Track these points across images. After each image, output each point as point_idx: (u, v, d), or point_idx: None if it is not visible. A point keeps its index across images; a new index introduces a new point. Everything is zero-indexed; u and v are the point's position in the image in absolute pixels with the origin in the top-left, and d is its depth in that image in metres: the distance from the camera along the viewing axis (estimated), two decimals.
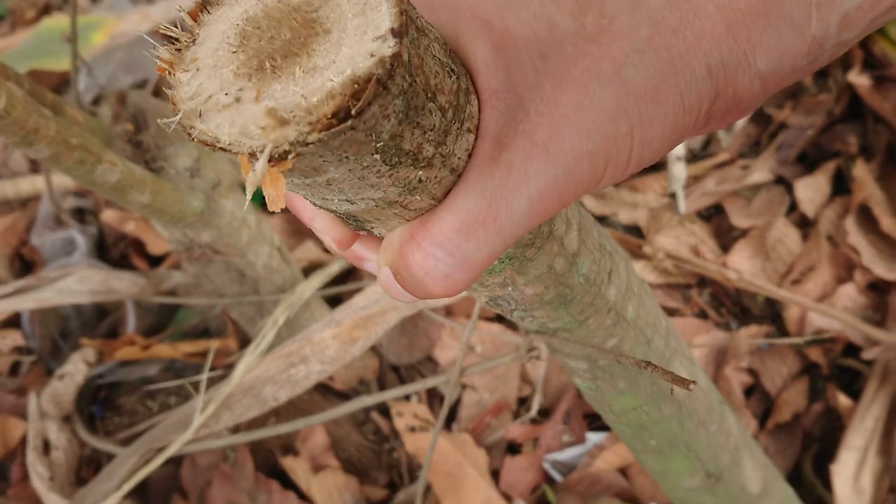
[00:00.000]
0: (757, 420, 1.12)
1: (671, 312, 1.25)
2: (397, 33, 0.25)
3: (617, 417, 0.69)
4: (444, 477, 1.04)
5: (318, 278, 1.04)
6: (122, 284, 1.09)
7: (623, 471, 1.06)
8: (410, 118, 0.27)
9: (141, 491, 1.07)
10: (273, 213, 0.28)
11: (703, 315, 1.26)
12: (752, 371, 1.17)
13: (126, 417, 1.14)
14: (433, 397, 1.19)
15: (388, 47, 0.25)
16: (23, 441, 1.03)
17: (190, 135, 0.26)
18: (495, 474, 1.08)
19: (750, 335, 1.18)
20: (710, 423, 0.71)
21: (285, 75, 0.26)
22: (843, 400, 1.08)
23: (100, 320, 1.23)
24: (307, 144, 0.25)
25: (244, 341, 1.18)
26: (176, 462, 1.10)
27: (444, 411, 0.70)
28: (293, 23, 0.27)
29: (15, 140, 0.64)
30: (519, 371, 1.18)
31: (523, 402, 1.18)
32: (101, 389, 1.15)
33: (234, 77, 0.27)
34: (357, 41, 0.26)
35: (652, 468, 0.76)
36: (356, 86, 0.24)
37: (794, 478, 1.09)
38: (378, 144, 0.26)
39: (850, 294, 1.20)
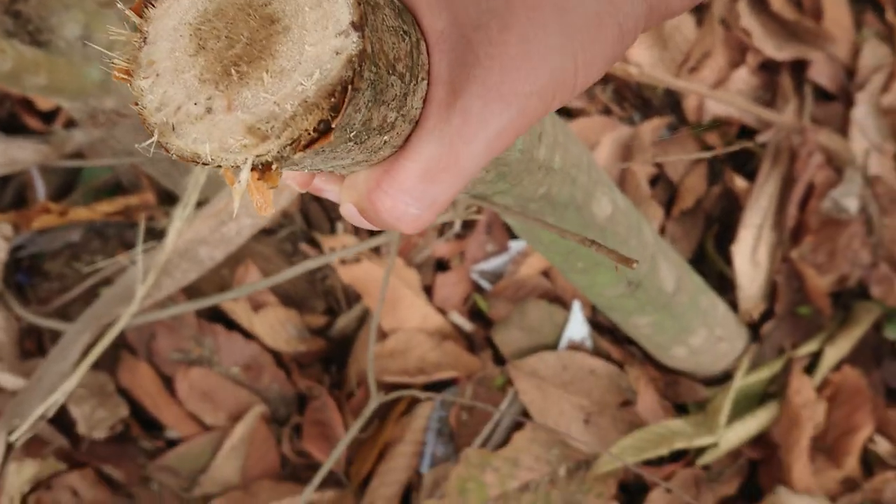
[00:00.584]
0: (663, 208, 1.20)
1: (578, 113, 1.28)
2: (359, 26, 0.25)
3: (546, 247, 0.74)
4: (377, 298, 1.09)
5: None
6: (25, 153, 1.05)
7: (546, 273, 1.14)
8: (377, 100, 0.28)
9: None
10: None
11: (607, 111, 1.30)
12: (655, 163, 1.24)
13: (56, 282, 1.14)
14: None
15: (353, 42, 0.25)
16: None
17: (168, 151, 0.27)
18: (428, 290, 1.15)
19: (652, 128, 1.23)
20: (629, 239, 0.77)
21: (253, 80, 0.26)
22: (739, 182, 1.17)
23: (1, 189, 1.19)
24: (290, 157, 0.26)
25: (161, 194, 1.17)
26: None
27: (393, 254, 0.74)
28: (250, 21, 0.26)
29: None
30: None
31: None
32: (23, 258, 1.13)
33: (199, 84, 0.26)
34: (319, 37, 0.26)
35: (579, 284, 0.82)
36: (332, 99, 0.25)
37: (699, 257, 1.19)
38: (351, 134, 0.27)
39: (742, 77, 1.26)
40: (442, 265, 1.19)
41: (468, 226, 1.21)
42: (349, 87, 0.25)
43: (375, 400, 0.82)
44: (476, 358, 1.10)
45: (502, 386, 1.09)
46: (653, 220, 1.16)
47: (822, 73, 1.23)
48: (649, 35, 1.31)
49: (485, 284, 1.16)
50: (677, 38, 1.31)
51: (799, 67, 1.24)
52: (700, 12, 1.32)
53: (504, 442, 1.05)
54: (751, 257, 1.11)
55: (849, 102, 1.21)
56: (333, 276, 1.21)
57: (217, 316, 1.15)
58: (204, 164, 0.26)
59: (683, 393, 1.07)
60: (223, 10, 0.27)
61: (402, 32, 0.29)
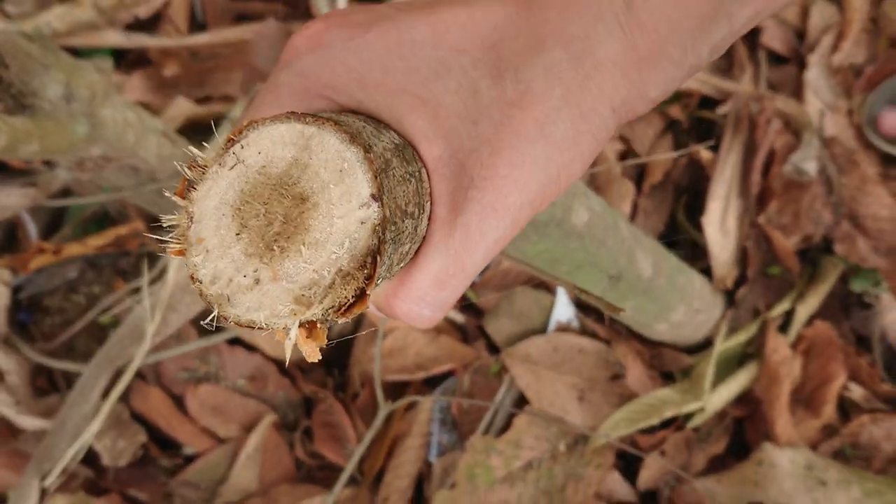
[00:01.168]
0: (634, 183, 1.25)
1: None
2: (377, 197, 0.30)
3: (531, 258, 0.79)
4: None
5: (212, 153, 1.05)
6: (13, 199, 1.07)
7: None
8: (396, 245, 0.32)
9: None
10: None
11: None
12: (623, 138, 1.28)
13: (57, 317, 1.18)
14: None
15: (374, 212, 0.30)
16: None
17: (226, 319, 0.31)
18: None
19: None
20: (607, 239, 0.82)
21: (292, 253, 0.30)
22: (704, 154, 1.22)
23: None
24: (332, 319, 0.30)
25: (149, 220, 1.20)
26: None
27: None
28: (283, 201, 0.30)
29: None
30: None
31: None
32: (23, 298, 1.17)
33: (245, 258, 0.31)
34: (345, 210, 0.30)
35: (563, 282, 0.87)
36: (365, 270, 0.29)
37: (671, 227, 1.24)
38: (378, 280, 0.32)
39: None
40: None
41: None
42: (377, 256, 0.30)
43: (384, 409, 0.87)
44: (471, 348, 1.16)
45: (498, 372, 1.15)
46: (625, 198, 1.21)
47: (774, 37, 1.27)
48: None
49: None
50: None
51: (752, 35, 1.29)
52: None
53: (505, 426, 1.11)
54: (720, 226, 1.17)
55: (802, 65, 1.26)
56: None
57: (218, 332, 1.19)
58: (259, 328, 0.31)
59: (668, 362, 1.13)
60: (258, 190, 0.31)
61: (408, 176, 0.33)
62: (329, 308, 0.30)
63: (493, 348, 1.17)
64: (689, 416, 1.10)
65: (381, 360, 1.14)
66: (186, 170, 0.32)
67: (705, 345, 1.14)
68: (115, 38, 1.33)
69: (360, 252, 0.30)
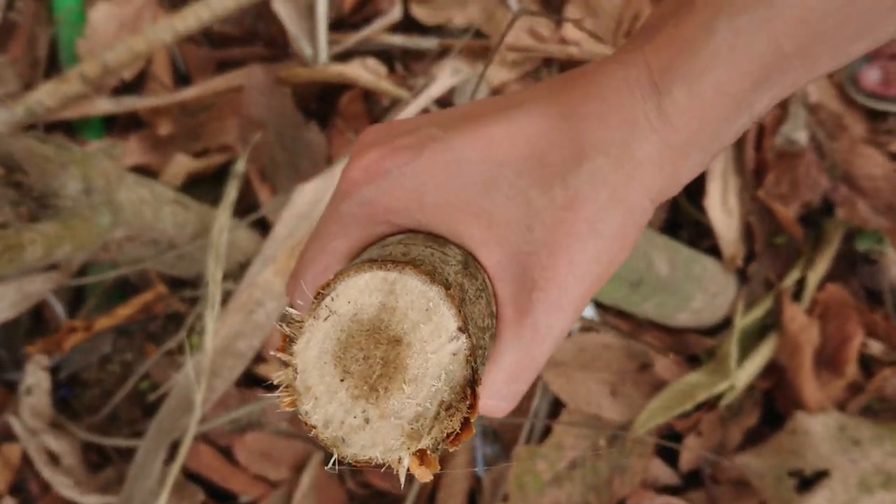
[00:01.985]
0: None
1: None
2: (464, 329, 0.33)
3: None
4: None
5: (224, 213, 1.07)
6: (37, 285, 1.10)
7: None
8: (482, 361, 0.35)
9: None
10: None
11: None
12: None
13: (96, 388, 1.21)
14: None
15: (463, 343, 0.33)
16: (24, 458, 1.09)
17: (345, 458, 0.34)
18: None
19: None
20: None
21: (395, 391, 0.33)
22: None
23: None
24: (438, 448, 0.34)
25: (171, 282, 1.23)
26: None
27: None
28: (380, 345, 0.34)
29: None
30: None
31: None
32: (61, 376, 1.19)
33: (352, 400, 0.34)
34: (437, 345, 0.33)
35: None
36: (467, 401, 0.33)
37: (674, 211, 1.28)
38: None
39: None
40: None
41: None
42: (475, 385, 0.33)
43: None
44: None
45: None
46: None
47: None
48: (577, 8, 1.37)
49: None
50: (606, 6, 1.37)
51: None
52: None
53: (545, 430, 1.15)
54: (722, 206, 1.20)
55: None
56: None
57: (253, 380, 1.22)
58: (376, 466, 0.34)
59: (692, 346, 1.17)
60: (354, 338, 0.34)
61: (479, 292, 0.37)
62: (437, 439, 0.33)
63: None
64: (719, 396, 1.14)
65: None
66: (285, 326, 0.35)
67: (725, 324, 1.17)
68: (106, 105, 1.35)
69: (458, 382, 0.33)
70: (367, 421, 0.34)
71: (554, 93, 0.40)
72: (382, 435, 0.34)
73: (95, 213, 0.87)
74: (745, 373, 1.13)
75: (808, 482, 1.06)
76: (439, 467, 0.35)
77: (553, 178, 0.37)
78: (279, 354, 0.35)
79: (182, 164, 1.31)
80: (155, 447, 0.94)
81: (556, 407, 1.16)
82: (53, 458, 1.05)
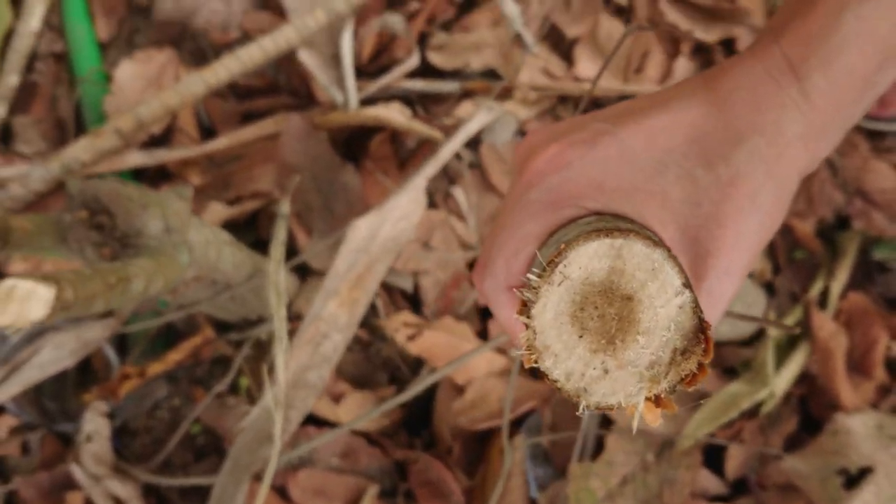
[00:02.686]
0: None
1: None
2: (687, 284, 0.38)
3: None
4: (447, 360, 1.21)
5: (278, 250, 1.10)
6: (94, 333, 1.11)
7: None
8: None
9: None
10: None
11: None
12: None
13: (146, 437, 1.21)
14: (394, 294, 1.33)
15: (688, 297, 0.37)
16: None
17: (588, 406, 0.38)
18: (482, 336, 1.27)
19: None
20: None
21: (630, 343, 0.38)
22: None
23: None
24: (675, 389, 0.38)
25: (218, 327, 1.25)
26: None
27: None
28: (613, 303, 0.38)
29: (79, 312, 0.68)
30: (458, 241, 1.33)
31: (472, 266, 1.34)
32: (115, 425, 1.20)
33: (590, 354, 0.38)
34: (664, 300, 0.38)
35: None
36: (701, 344, 0.37)
37: None
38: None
39: (683, 65, 1.41)
40: (485, 312, 1.31)
41: None
42: (706, 330, 0.37)
43: (510, 452, 0.94)
44: (545, 383, 1.23)
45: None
46: None
47: (748, 44, 1.39)
48: (587, 49, 1.45)
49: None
50: (613, 45, 1.45)
51: (728, 45, 1.40)
52: (626, 14, 1.46)
53: (595, 447, 1.19)
54: None
55: None
56: (385, 347, 1.31)
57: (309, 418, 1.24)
58: (616, 408, 0.38)
59: (729, 358, 1.22)
60: (588, 298, 0.38)
61: None
62: (674, 381, 0.37)
63: None
64: (759, 404, 1.19)
65: (467, 412, 1.21)
66: (524, 292, 0.39)
67: (759, 335, 1.23)
68: (138, 158, 1.38)
69: (688, 330, 0.37)
70: (606, 371, 0.38)
71: (703, 87, 0.45)
72: (622, 383, 0.38)
73: (176, 251, 0.90)
74: (783, 380, 1.18)
75: (853, 480, 1.11)
76: (675, 408, 0.39)
77: (715, 158, 0.42)
78: (519, 317, 0.39)
79: (217, 213, 1.34)
80: (234, 481, 0.95)
81: (605, 424, 1.20)
82: (119, 503, 1.06)
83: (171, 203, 0.94)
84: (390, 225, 1.05)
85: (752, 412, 1.20)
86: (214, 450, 1.23)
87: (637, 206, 0.43)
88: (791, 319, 1.22)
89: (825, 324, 1.19)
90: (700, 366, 0.37)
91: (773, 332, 1.20)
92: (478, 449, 1.25)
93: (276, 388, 0.96)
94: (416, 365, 1.30)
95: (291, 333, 1.09)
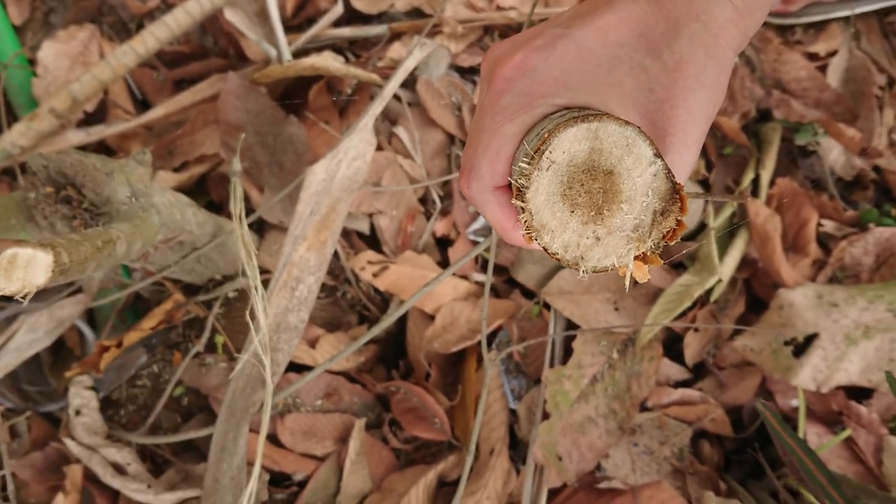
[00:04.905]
0: None
1: (477, 69, 1.45)
2: (658, 154, 0.43)
3: None
4: (413, 292, 1.26)
5: (238, 206, 1.13)
6: (67, 311, 1.13)
7: None
8: None
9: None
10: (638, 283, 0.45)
11: None
12: None
13: (130, 406, 1.24)
14: (352, 238, 1.36)
15: (659, 165, 0.43)
16: (87, 475, 1.11)
17: (586, 272, 0.43)
18: (444, 266, 1.32)
19: None
20: None
21: (615, 211, 0.43)
22: None
23: None
24: (662, 247, 0.43)
25: (186, 290, 1.27)
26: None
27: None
28: (597, 178, 0.43)
29: (74, 276, 0.70)
30: (407, 178, 1.37)
31: (424, 201, 1.38)
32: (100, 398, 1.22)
33: (582, 226, 0.43)
34: (640, 170, 0.43)
35: None
36: (677, 203, 0.42)
37: None
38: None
39: None
40: (442, 241, 1.35)
41: (448, 197, 1.38)
42: (679, 193, 0.42)
43: (490, 366, 1.00)
44: (509, 301, 1.29)
45: (539, 313, 1.29)
46: None
47: None
48: None
49: (481, 240, 1.34)
50: None
51: None
52: None
53: (563, 354, 1.26)
54: None
55: None
56: (351, 290, 1.35)
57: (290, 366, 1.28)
58: (610, 269, 0.43)
59: (674, 253, 1.30)
60: (574, 177, 0.43)
61: None
62: (658, 238, 0.43)
63: (527, 294, 1.31)
64: (708, 292, 1.27)
65: (438, 337, 1.26)
66: (517, 179, 0.44)
67: (700, 229, 1.31)
68: (77, 136, 1.38)
69: (664, 194, 0.43)
70: (598, 239, 0.43)
71: None
72: (613, 246, 0.43)
73: (148, 214, 0.92)
74: (728, 267, 1.27)
75: (801, 348, 1.21)
76: (661, 262, 0.44)
77: (660, 47, 0.48)
78: (515, 202, 0.44)
79: (166, 181, 1.35)
80: (234, 427, 0.99)
81: (571, 329, 1.27)
82: (118, 469, 1.08)
83: (133, 168, 0.96)
84: (346, 165, 1.09)
85: (703, 301, 1.28)
86: (200, 409, 1.26)
87: (600, 98, 0.48)
88: (728, 211, 1.30)
89: (760, 210, 1.28)
90: (678, 222, 0.43)
91: (715, 224, 1.28)
92: (453, 371, 1.31)
93: (261, 333, 1.00)
94: (384, 303, 1.34)
95: (262, 285, 1.12)
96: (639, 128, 0.43)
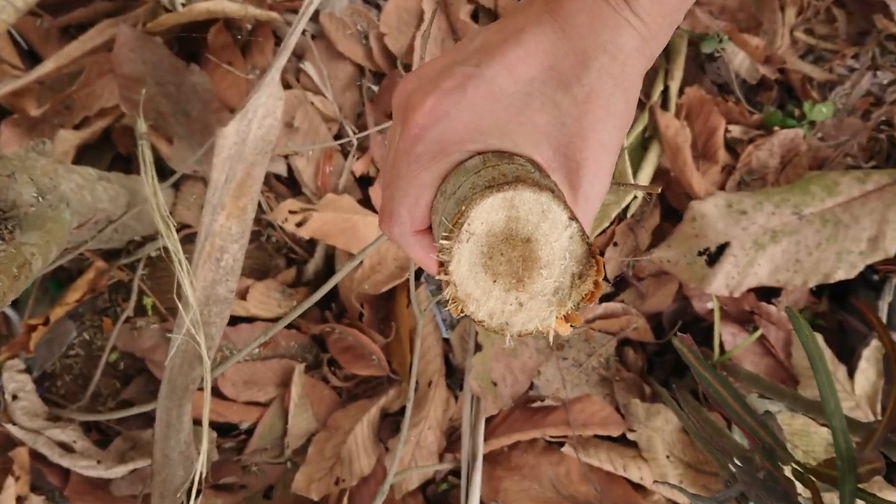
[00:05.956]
0: None
1: None
2: (573, 217, 0.44)
3: None
4: (340, 236, 1.26)
5: (149, 174, 1.10)
6: None
7: None
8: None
9: None
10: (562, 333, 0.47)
11: None
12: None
13: (67, 376, 1.24)
14: (270, 181, 1.35)
15: (575, 228, 0.44)
16: (34, 455, 1.12)
17: (512, 336, 0.45)
18: (368, 205, 1.32)
19: None
20: None
21: (536, 277, 0.44)
22: None
23: None
24: (579, 307, 0.45)
25: (105, 255, 1.25)
26: None
27: None
28: (516, 247, 0.44)
29: None
30: (320, 115, 1.35)
31: (339, 137, 1.37)
32: (35, 376, 1.21)
33: (505, 293, 0.45)
34: (557, 235, 0.44)
35: None
36: (592, 269, 0.44)
37: None
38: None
39: None
40: (363, 179, 1.35)
41: (363, 130, 1.36)
42: (594, 254, 0.44)
43: (421, 319, 1.02)
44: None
45: None
46: None
47: None
48: None
49: None
50: None
51: None
52: None
53: None
54: None
55: None
56: (275, 234, 1.35)
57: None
58: (534, 334, 0.45)
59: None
60: (494, 247, 0.44)
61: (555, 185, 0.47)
62: (577, 300, 0.45)
63: None
64: (625, 209, 1.31)
65: (367, 278, 1.28)
66: (439, 255, 0.44)
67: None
68: None
69: (580, 256, 0.44)
70: (521, 304, 0.45)
71: (547, 13, 0.50)
72: (535, 311, 0.45)
73: (58, 212, 0.89)
74: (641, 181, 1.30)
75: (714, 257, 1.27)
76: (582, 320, 0.47)
77: (570, 80, 0.48)
78: (440, 276, 0.45)
79: (68, 140, 1.30)
80: (176, 405, 1.00)
81: None
82: (66, 448, 1.10)
83: (35, 162, 0.92)
84: (256, 125, 1.06)
85: (621, 217, 1.32)
86: (138, 371, 1.27)
87: (512, 139, 0.48)
88: (640, 125, 1.32)
89: (670, 122, 1.30)
90: (595, 283, 0.45)
91: (626, 141, 1.30)
92: (385, 307, 1.33)
93: (190, 310, 1.00)
94: (310, 244, 1.35)
95: (186, 249, 1.11)
96: (552, 192, 0.44)
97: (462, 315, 0.46)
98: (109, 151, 1.37)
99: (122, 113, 1.34)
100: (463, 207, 0.44)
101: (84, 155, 1.35)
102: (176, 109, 1.29)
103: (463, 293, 0.45)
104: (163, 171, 1.28)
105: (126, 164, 1.36)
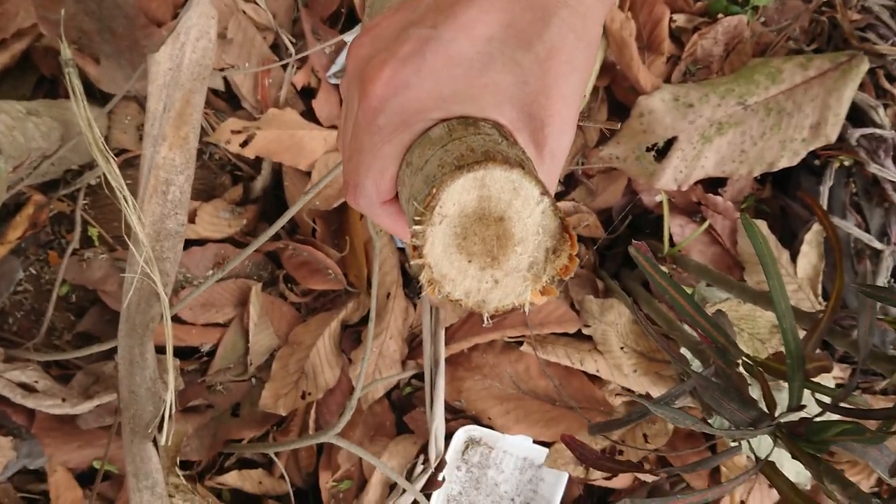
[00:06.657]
0: None
1: None
2: (544, 192, 0.44)
3: None
4: (287, 153, 1.23)
5: (80, 105, 1.05)
6: None
7: None
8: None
9: None
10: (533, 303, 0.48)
11: None
12: None
13: (19, 313, 1.21)
14: (208, 96, 1.30)
15: (546, 203, 0.44)
16: None
17: (488, 314, 0.46)
18: (311, 117, 1.28)
19: None
20: None
21: (510, 253, 0.45)
22: None
23: None
24: (554, 280, 0.46)
25: (43, 188, 1.20)
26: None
27: None
28: (490, 226, 0.44)
29: None
30: (253, 24, 1.29)
31: (276, 47, 1.31)
32: None
33: (480, 272, 0.45)
34: (530, 211, 0.44)
35: None
36: (567, 242, 0.44)
37: None
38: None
39: None
40: (305, 91, 1.31)
41: (300, 37, 1.31)
42: (567, 229, 0.44)
43: (377, 238, 1.02)
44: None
45: None
46: None
47: None
48: None
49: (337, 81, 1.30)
50: None
51: None
52: None
53: None
54: None
55: None
56: (218, 151, 1.31)
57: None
58: (513, 309, 0.46)
59: None
60: (467, 227, 0.44)
61: (523, 153, 0.47)
62: (552, 274, 0.45)
63: None
64: None
65: (319, 195, 1.26)
66: (413, 239, 0.44)
67: None
68: None
69: (553, 231, 0.44)
70: (496, 282, 0.45)
71: None
72: (511, 287, 0.45)
73: None
74: (590, 80, 1.29)
75: (662, 152, 1.28)
76: (558, 292, 0.47)
77: (531, 38, 0.47)
78: (415, 261, 0.45)
79: None
80: (137, 343, 1.00)
81: None
82: (28, 388, 1.09)
83: None
84: (190, 48, 1.01)
85: None
86: (92, 302, 1.25)
87: (476, 103, 0.47)
88: None
89: (615, 15, 1.28)
90: (570, 257, 0.45)
91: None
92: (337, 221, 1.33)
93: (141, 249, 0.98)
94: (256, 159, 1.32)
95: (128, 176, 1.07)
96: (522, 167, 0.43)
97: (440, 295, 0.46)
98: (32, 74, 1.29)
99: (40, 33, 1.26)
100: (433, 189, 0.43)
101: (5, 80, 1.28)
102: (100, 27, 1.22)
103: (438, 275, 0.45)
104: (91, 91, 1.22)
105: (52, 86, 1.29)
